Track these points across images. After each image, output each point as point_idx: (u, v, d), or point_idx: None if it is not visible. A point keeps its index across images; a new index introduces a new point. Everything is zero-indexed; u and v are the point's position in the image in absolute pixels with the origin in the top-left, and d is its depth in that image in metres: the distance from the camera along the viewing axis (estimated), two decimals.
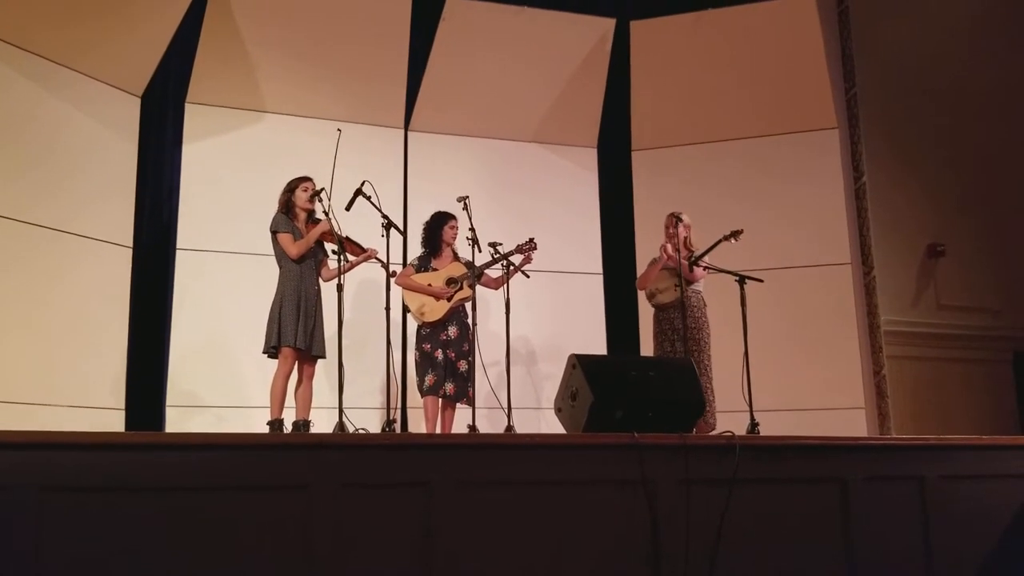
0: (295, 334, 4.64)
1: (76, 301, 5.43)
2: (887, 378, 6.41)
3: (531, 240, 5.16)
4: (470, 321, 5.09)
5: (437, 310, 5.11)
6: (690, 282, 5.12)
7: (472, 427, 4.73)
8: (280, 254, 4.79)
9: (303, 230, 4.82)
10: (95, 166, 5.64)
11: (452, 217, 5.28)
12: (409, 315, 5.29)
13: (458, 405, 5.14)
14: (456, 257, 5.28)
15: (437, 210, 5.37)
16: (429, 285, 5.14)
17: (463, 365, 5.08)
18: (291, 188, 4.88)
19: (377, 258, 4.72)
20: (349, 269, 4.69)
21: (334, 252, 4.58)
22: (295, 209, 4.85)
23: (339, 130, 4.66)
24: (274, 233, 4.79)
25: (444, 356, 5.09)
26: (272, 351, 4.71)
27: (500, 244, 5.11)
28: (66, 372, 5.32)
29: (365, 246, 4.76)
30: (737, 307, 4.73)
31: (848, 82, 6.81)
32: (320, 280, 4.87)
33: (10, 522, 2.35)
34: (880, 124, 6.87)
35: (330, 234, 4.70)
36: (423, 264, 5.27)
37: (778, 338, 6.14)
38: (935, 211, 7.13)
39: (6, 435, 2.47)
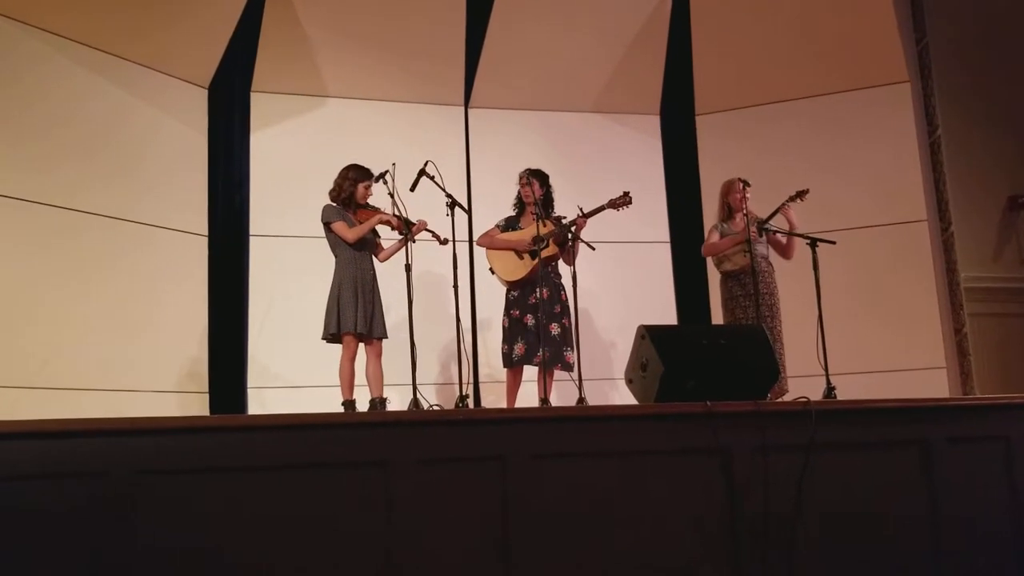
0: (355, 320, 4.76)
1: (157, 290, 5.64)
2: (968, 336, 6.23)
3: (626, 194, 4.98)
4: (563, 282, 5.04)
5: (519, 268, 5.04)
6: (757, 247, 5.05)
7: (544, 400, 4.75)
8: (334, 242, 4.90)
9: (354, 220, 4.93)
10: (169, 159, 5.83)
11: (525, 174, 5.18)
12: (495, 280, 5.22)
13: (556, 372, 4.99)
14: (542, 217, 5.05)
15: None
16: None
17: (555, 328, 4.96)
18: (353, 180, 4.96)
19: (428, 229, 4.76)
20: (400, 247, 4.79)
21: (401, 234, 4.66)
22: (353, 198, 4.95)
23: (393, 164, 4.66)
24: (327, 224, 4.90)
25: (535, 320, 4.98)
26: (331, 337, 4.83)
27: (564, 217, 5.09)
28: (152, 359, 5.53)
29: (413, 220, 4.76)
30: (809, 270, 4.65)
31: (919, 32, 6.59)
32: (376, 263, 4.97)
33: (108, 506, 2.47)
34: (953, 75, 6.62)
35: (388, 222, 4.81)
36: (510, 224, 5.22)
37: (854, 300, 6.05)
38: (1015, 161, 6.85)
39: (100, 422, 2.59)
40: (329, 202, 4.98)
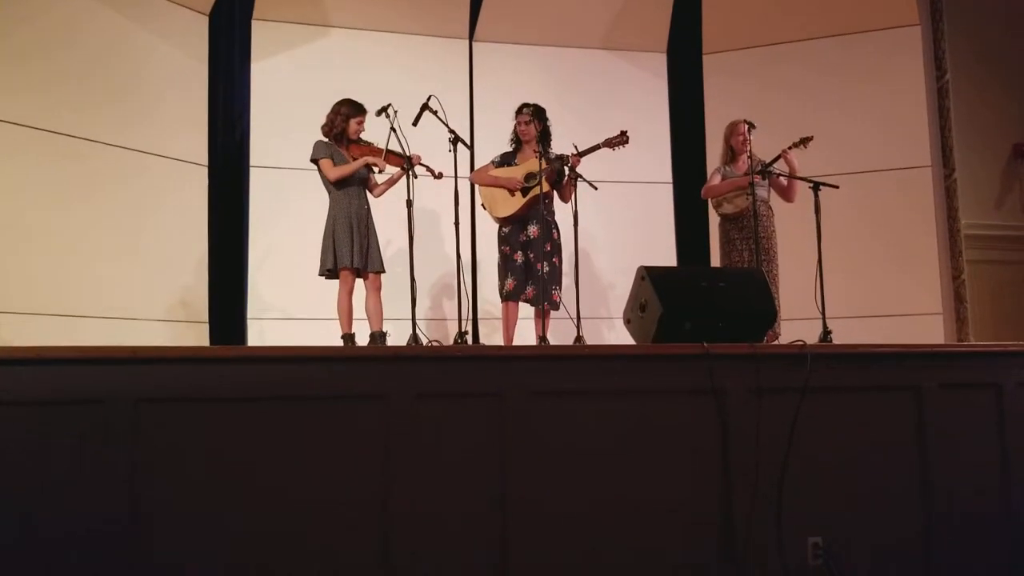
0: (351, 255, 4.77)
1: (159, 219, 5.63)
2: (966, 283, 6.26)
3: (623, 133, 4.94)
4: (556, 220, 5.02)
5: (508, 205, 5.02)
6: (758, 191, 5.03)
7: (542, 339, 4.78)
8: (325, 179, 4.88)
9: (346, 155, 4.90)
10: (169, 86, 5.76)
11: (520, 110, 5.14)
12: (487, 215, 5.20)
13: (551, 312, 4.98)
14: (544, 155, 4.97)
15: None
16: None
17: (543, 267, 4.92)
18: (345, 116, 4.91)
19: (422, 163, 4.74)
20: (393, 183, 4.85)
21: (403, 170, 4.63)
22: (345, 134, 4.91)
23: (390, 105, 4.61)
24: (315, 161, 4.87)
25: (524, 258, 5.01)
26: (328, 273, 4.85)
27: (563, 156, 5.06)
28: (152, 288, 5.54)
29: (409, 154, 4.71)
30: (811, 213, 4.65)
31: None
32: (370, 197, 4.97)
33: (110, 432, 2.50)
34: (964, 19, 6.51)
35: (381, 160, 4.80)
36: (505, 160, 5.17)
37: (854, 244, 6.06)
38: (1022, 109, 6.79)
39: (105, 350, 2.61)
40: (321, 137, 4.95)
